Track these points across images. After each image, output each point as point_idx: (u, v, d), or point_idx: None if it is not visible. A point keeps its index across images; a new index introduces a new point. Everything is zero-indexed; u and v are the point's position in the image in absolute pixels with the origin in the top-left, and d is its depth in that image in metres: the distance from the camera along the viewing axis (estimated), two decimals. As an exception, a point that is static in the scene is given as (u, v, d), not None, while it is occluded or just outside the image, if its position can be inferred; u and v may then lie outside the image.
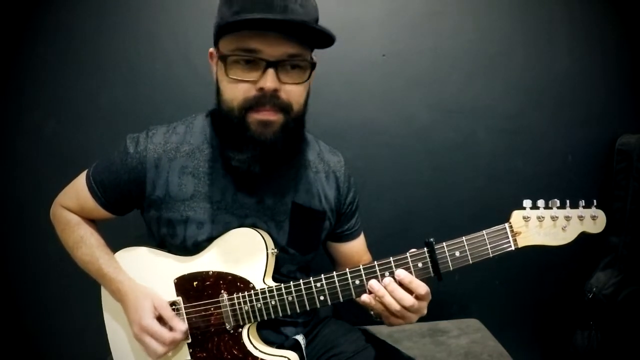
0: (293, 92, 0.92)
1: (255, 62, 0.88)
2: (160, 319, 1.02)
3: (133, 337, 1.05)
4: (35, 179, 1.56)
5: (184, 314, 1.05)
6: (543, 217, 0.90)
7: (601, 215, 0.91)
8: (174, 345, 1.02)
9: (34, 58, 1.51)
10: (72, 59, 1.51)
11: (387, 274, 0.93)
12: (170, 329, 1.01)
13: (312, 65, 0.94)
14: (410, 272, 0.92)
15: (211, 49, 0.99)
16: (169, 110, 1.52)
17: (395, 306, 0.89)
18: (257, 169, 0.97)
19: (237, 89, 0.91)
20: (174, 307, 1.05)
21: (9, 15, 1.48)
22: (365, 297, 0.93)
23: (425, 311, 0.93)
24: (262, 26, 0.85)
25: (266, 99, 0.89)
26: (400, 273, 0.91)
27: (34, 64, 1.51)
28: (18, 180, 1.57)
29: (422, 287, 0.90)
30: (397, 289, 0.90)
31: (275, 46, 0.87)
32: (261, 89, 0.89)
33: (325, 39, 0.91)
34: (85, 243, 1.11)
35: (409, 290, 0.90)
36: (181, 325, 1.02)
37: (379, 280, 0.92)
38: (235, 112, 0.92)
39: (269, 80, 0.88)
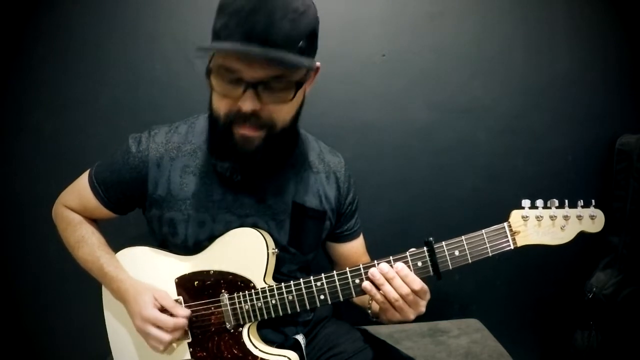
0: (277, 111, 0.90)
1: (237, 81, 0.86)
2: (163, 310, 1.02)
3: (135, 333, 1.05)
4: (35, 179, 1.56)
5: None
6: (542, 217, 0.90)
7: (599, 215, 0.91)
8: (178, 333, 1.02)
9: (34, 58, 1.51)
10: (72, 59, 1.51)
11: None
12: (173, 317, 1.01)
13: (298, 85, 0.89)
14: (410, 271, 0.92)
15: None
16: (169, 110, 1.52)
17: (393, 294, 0.90)
18: (238, 177, 1.00)
19: (221, 102, 0.91)
20: (174, 306, 1.05)
21: (9, 15, 1.48)
22: (366, 284, 0.92)
23: (423, 309, 0.93)
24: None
25: (246, 117, 0.88)
26: (398, 265, 0.91)
27: (34, 64, 1.51)
28: (18, 180, 1.58)
29: (416, 283, 0.90)
30: (395, 277, 0.91)
31: (256, 68, 0.84)
32: (240, 109, 0.88)
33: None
34: (87, 242, 1.12)
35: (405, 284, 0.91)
36: (183, 311, 1.02)
37: None
38: (221, 121, 0.92)
39: (247, 104, 0.86)
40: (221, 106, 0.91)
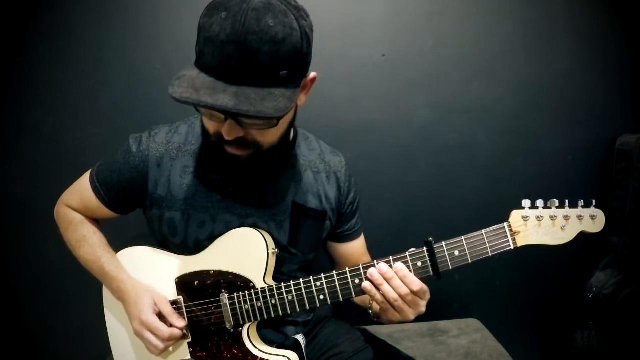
0: (261, 134, 0.89)
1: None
2: (161, 315, 1.02)
3: (133, 334, 1.05)
4: (35, 179, 1.56)
5: (185, 313, 1.05)
6: (542, 217, 0.90)
7: (600, 215, 0.91)
8: (173, 341, 1.02)
9: (34, 58, 1.51)
10: (72, 59, 1.51)
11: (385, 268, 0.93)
12: (170, 325, 1.02)
13: (279, 117, 0.82)
14: (411, 272, 0.92)
15: None
16: (168, 110, 1.51)
17: (392, 294, 0.90)
18: (230, 189, 1.04)
19: (208, 122, 0.90)
20: (174, 306, 1.05)
21: (9, 15, 1.48)
22: (366, 284, 0.92)
23: (423, 309, 0.93)
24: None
25: (231, 142, 0.87)
26: (397, 265, 0.91)
27: (34, 64, 1.51)
28: (18, 180, 1.58)
29: (415, 284, 0.90)
30: (394, 277, 0.91)
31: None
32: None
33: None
34: (88, 242, 1.12)
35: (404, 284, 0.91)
36: (180, 322, 1.02)
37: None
38: (211, 138, 0.92)
39: (227, 133, 0.85)
40: (209, 126, 0.91)
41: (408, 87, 1.59)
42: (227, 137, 0.86)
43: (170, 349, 1.06)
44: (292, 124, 0.99)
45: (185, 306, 1.05)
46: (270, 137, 0.91)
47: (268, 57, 0.77)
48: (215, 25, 0.77)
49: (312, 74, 0.92)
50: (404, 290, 0.90)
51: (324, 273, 0.97)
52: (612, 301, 1.57)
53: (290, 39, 0.79)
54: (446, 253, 0.91)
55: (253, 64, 0.76)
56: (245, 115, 0.77)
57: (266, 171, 1.02)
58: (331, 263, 1.29)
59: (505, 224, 0.91)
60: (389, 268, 0.91)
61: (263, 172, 1.01)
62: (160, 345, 1.00)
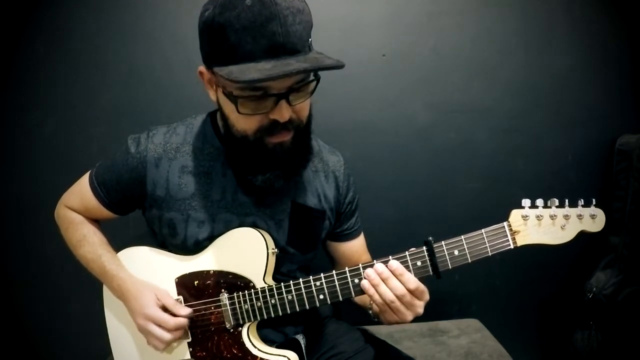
0: (303, 108, 0.93)
1: (264, 95, 0.86)
2: (164, 308, 1.02)
3: (135, 332, 1.06)
4: (35, 179, 1.57)
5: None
6: (542, 216, 0.90)
7: (600, 214, 0.91)
8: (179, 331, 1.02)
9: (33, 58, 1.51)
10: (72, 59, 1.51)
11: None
12: (175, 315, 1.02)
13: (318, 79, 0.91)
14: (410, 271, 0.92)
15: (201, 68, 0.94)
16: (168, 111, 1.52)
17: (389, 295, 0.90)
18: (280, 183, 0.99)
19: (250, 121, 0.90)
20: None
21: (9, 15, 1.48)
22: (364, 283, 0.92)
23: (420, 310, 0.93)
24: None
25: (282, 125, 0.90)
26: (393, 263, 0.91)
27: (34, 64, 1.51)
28: (18, 180, 1.58)
29: (411, 282, 0.90)
30: (390, 277, 0.91)
31: (286, 79, 0.84)
32: (276, 120, 0.89)
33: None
34: (88, 241, 1.12)
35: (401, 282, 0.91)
36: (184, 310, 1.02)
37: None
38: (250, 138, 0.92)
39: (284, 114, 0.87)
40: (250, 125, 0.91)
41: (408, 87, 1.59)
42: (283, 119, 0.88)
43: (171, 347, 1.06)
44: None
45: (185, 306, 1.05)
46: (306, 110, 0.95)
47: (301, 27, 0.83)
48: (244, 14, 0.79)
49: None
50: (401, 290, 0.90)
51: (324, 273, 0.97)
52: (612, 301, 1.57)
53: (306, 8, 0.86)
54: (446, 253, 0.91)
55: (294, 34, 0.82)
56: (327, 68, 0.81)
57: (307, 149, 1.01)
58: (331, 262, 1.29)
59: (505, 224, 0.91)
60: (385, 268, 0.91)
61: (304, 151, 1.00)
62: (166, 336, 1.00)
